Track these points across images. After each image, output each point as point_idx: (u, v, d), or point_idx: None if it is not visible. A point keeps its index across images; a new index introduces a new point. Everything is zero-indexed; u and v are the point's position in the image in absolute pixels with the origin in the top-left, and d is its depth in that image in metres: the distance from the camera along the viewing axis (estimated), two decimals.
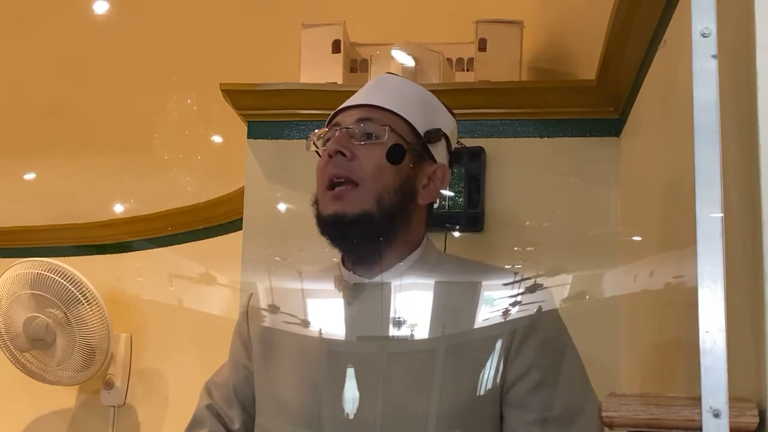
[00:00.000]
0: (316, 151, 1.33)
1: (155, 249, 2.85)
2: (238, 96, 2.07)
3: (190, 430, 1.37)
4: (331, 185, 1.26)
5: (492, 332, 1.24)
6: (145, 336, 2.89)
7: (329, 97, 1.77)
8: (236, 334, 1.40)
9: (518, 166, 1.98)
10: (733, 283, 0.81)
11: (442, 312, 1.27)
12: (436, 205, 1.36)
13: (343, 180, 1.25)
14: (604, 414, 0.85)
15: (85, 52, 2.70)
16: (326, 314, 1.36)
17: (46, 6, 2.64)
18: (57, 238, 3.00)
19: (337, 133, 1.28)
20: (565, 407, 1.20)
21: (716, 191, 0.77)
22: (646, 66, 1.61)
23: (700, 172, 0.78)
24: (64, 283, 2.69)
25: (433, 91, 1.38)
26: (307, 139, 1.35)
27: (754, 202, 0.84)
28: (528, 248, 1.94)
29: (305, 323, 1.34)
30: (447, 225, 1.88)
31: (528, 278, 1.34)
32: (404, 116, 1.29)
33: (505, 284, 1.33)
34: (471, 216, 1.94)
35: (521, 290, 1.30)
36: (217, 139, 2.67)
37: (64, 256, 2.84)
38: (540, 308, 1.26)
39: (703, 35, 0.80)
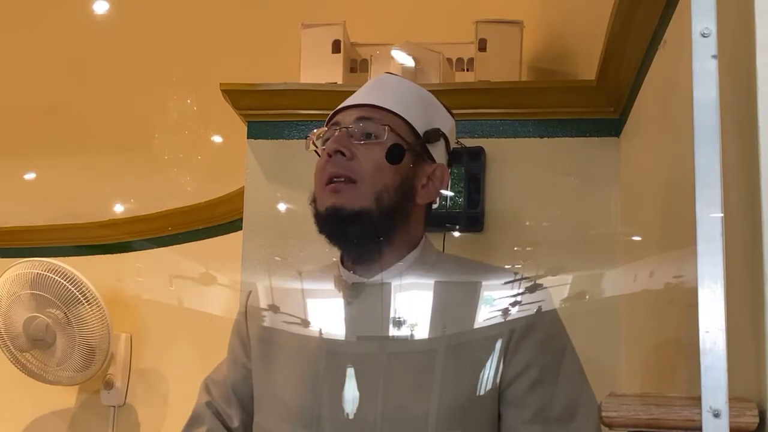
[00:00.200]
0: (315, 151, 1.33)
1: (155, 249, 2.85)
2: (238, 96, 2.07)
3: (190, 427, 1.36)
4: (330, 183, 1.26)
5: (491, 332, 1.24)
6: (144, 336, 2.89)
7: (329, 97, 1.77)
8: (235, 332, 1.40)
9: (518, 166, 1.98)
10: (733, 283, 0.81)
11: (441, 312, 1.27)
12: (435, 205, 1.36)
13: (342, 179, 1.25)
14: (604, 414, 0.85)
15: (85, 52, 2.69)
16: (326, 314, 1.36)
17: (46, 6, 2.64)
18: (57, 238, 3.00)
19: (336, 133, 1.28)
20: (563, 406, 1.20)
21: (716, 191, 0.77)
22: (646, 66, 1.61)
23: (700, 172, 0.78)
24: (64, 283, 2.69)
25: (433, 91, 1.38)
26: (306, 138, 1.36)
27: (754, 202, 0.84)
28: (528, 248, 1.94)
29: (305, 323, 1.34)
30: (447, 225, 1.88)
31: (528, 278, 1.34)
32: (403, 116, 1.29)
33: (505, 284, 1.33)
34: (471, 216, 1.94)
35: (521, 290, 1.30)
36: (217, 139, 2.66)
37: (64, 256, 2.84)
38: (539, 308, 1.26)
39: (703, 35, 0.80)
